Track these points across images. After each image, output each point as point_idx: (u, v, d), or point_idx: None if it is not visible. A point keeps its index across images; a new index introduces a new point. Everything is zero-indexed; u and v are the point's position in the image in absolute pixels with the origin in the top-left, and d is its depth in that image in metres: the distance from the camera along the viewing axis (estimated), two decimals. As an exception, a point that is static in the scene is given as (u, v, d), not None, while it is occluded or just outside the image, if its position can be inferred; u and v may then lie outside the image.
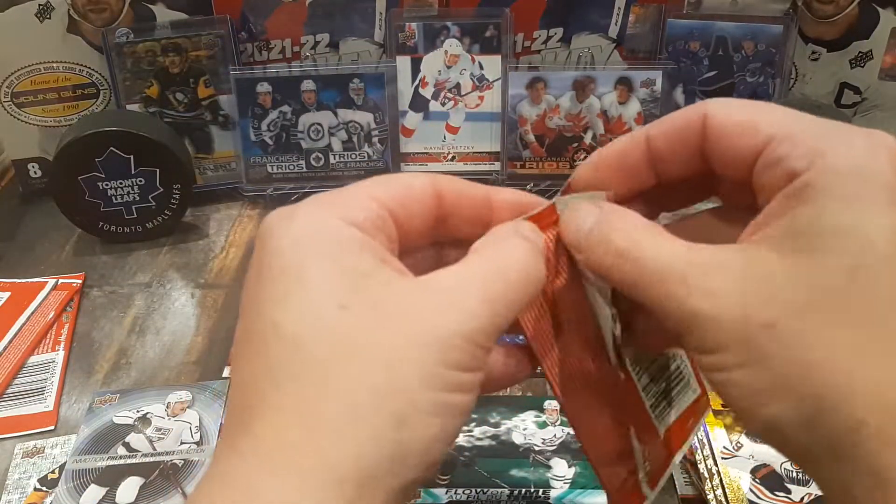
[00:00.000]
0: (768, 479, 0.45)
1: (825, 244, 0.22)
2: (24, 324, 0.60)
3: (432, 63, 0.74)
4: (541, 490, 0.46)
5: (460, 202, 0.28)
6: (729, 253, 0.24)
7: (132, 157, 0.67)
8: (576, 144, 0.73)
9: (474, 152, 0.76)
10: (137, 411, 0.53)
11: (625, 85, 0.71)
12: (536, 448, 0.49)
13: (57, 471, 0.49)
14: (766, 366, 0.22)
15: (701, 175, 0.27)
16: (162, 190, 0.69)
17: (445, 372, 0.23)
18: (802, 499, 0.44)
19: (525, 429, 0.50)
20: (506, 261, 0.26)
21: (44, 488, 0.48)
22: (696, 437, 0.30)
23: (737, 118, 0.25)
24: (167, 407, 0.53)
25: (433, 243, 0.29)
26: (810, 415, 0.22)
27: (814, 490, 0.45)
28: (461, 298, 0.24)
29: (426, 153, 0.77)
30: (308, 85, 0.72)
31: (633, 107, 0.72)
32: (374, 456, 0.22)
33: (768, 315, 0.22)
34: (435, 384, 0.23)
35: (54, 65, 0.72)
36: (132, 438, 0.51)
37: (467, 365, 0.23)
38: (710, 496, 0.44)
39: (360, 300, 0.23)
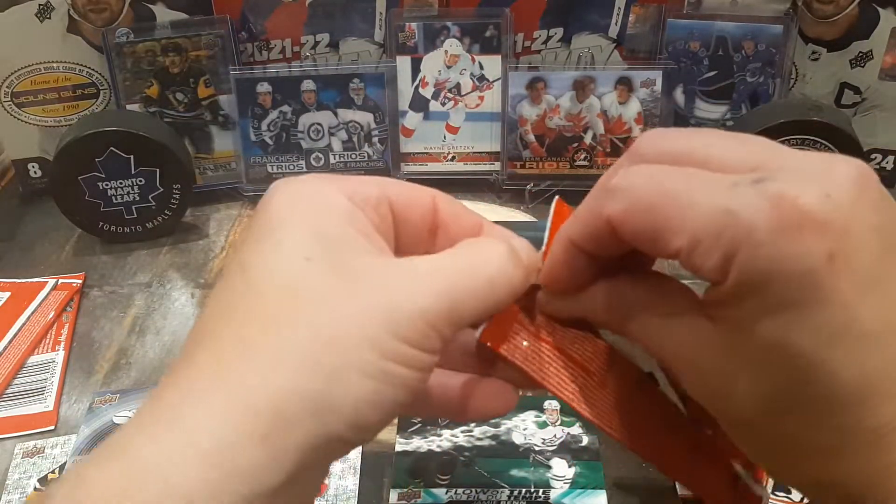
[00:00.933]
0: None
1: (760, 359, 0.23)
2: (24, 324, 0.60)
3: (432, 63, 0.74)
4: (541, 490, 0.46)
5: (452, 218, 0.29)
6: (703, 349, 0.25)
7: (132, 157, 0.67)
8: (576, 144, 0.73)
9: (474, 152, 0.76)
10: (137, 411, 0.52)
11: (625, 85, 0.71)
12: (536, 448, 0.49)
13: (57, 471, 0.49)
14: (767, 456, 0.26)
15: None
16: (162, 190, 0.69)
17: (390, 341, 0.23)
18: (802, 499, 0.44)
19: (525, 429, 0.50)
20: (480, 257, 0.26)
21: (44, 488, 0.48)
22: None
23: (637, 228, 0.24)
24: (167, 407, 0.53)
25: None
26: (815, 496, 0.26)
27: (814, 490, 0.45)
28: (424, 279, 0.25)
29: (426, 153, 0.77)
30: (308, 85, 0.72)
31: (634, 107, 0.72)
32: (294, 397, 0.22)
33: (745, 416, 0.25)
34: (376, 349, 0.23)
35: (54, 65, 0.72)
36: (132, 438, 0.51)
37: (415, 342, 0.24)
38: (710, 496, 0.44)
39: (326, 259, 0.24)
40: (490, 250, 0.27)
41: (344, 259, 0.24)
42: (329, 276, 0.24)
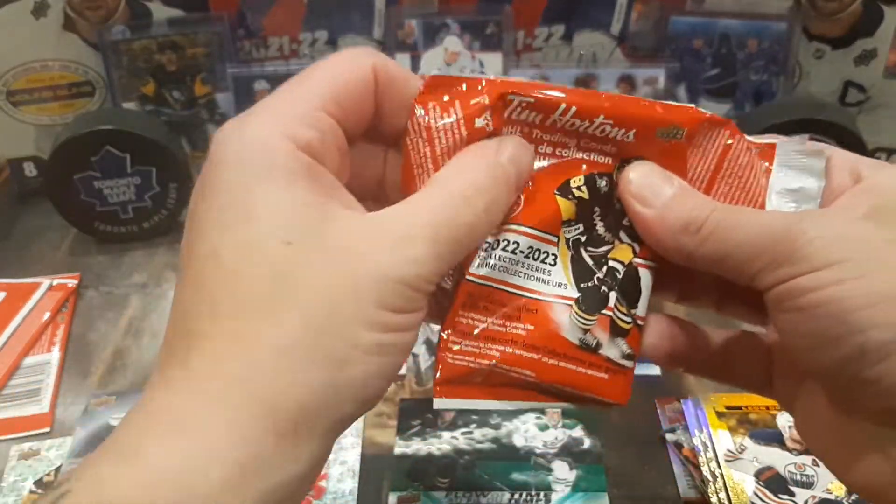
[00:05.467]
0: (772, 481, 0.45)
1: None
2: (19, 324, 0.59)
3: (432, 61, 0.73)
4: (542, 493, 0.45)
5: (391, 89, 0.27)
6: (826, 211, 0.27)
7: (128, 155, 0.66)
8: (577, 143, 0.73)
9: (474, 151, 0.76)
10: (133, 413, 0.52)
11: (627, 83, 0.71)
12: (538, 451, 0.48)
13: (53, 473, 0.48)
14: (880, 277, 0.24)
15: None
16: (158, 189, 0.68)
17: (382, 314, 0.23)
18: (806, 501, 0.44)
19: (526, 431, 0.49)
20: (460, 197, 0.25)
21: (39, 491, 0.47)
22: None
23: None
24: (164, 409, 0.52)
25: (374, 140, 0.29)
26: None
27: (817, 493, 0.44)
28: (406, 242, 0.24)
29: (426, 152, 0.76)
30: (306, 83, 0.72)
31: (635, 105, 0.71)
32: (308, 394, 0.22)
33: (890, 234, 0.25)
34: (371, 325, 0.23)
35: (50, 63, 0.72)
36: (128, 441, 0.50)
37: (404, 307, 0.24)
38: (714, 499, 0.44)
39: (306, 236, 0.23)
40: (471, 182, 0.26)
41: (321, 234, 0.23)
42: (312, 257, 0.23)
